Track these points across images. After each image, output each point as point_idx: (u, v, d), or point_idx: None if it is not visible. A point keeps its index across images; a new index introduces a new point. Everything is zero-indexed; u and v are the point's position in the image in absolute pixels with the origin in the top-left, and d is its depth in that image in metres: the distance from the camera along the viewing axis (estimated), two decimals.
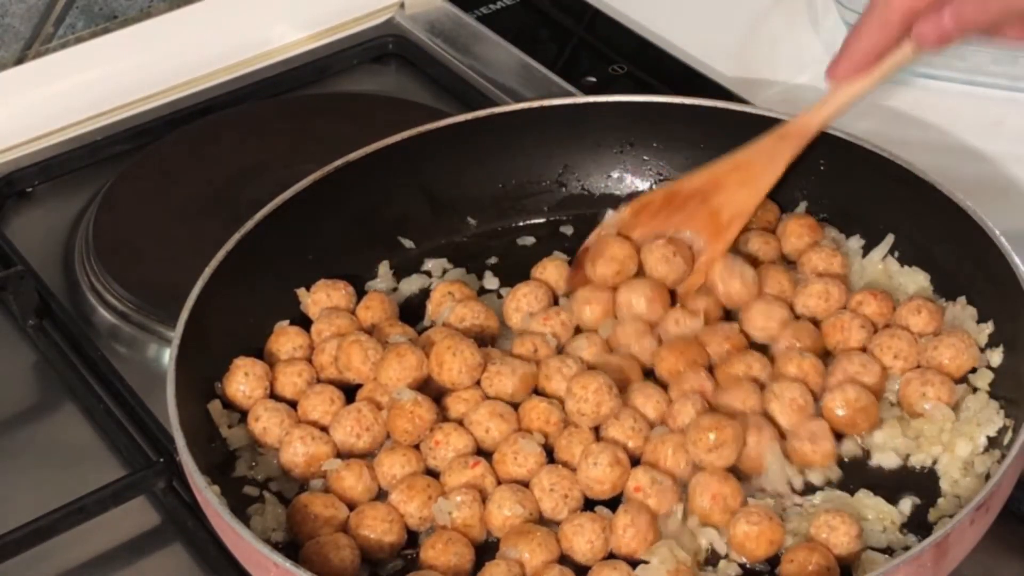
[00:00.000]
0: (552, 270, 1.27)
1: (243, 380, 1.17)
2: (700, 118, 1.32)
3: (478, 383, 1.16)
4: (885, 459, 1.12)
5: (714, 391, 1.15)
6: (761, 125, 1.30)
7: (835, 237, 1.28)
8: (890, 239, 1.25)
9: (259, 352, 1.21)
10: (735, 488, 1.08)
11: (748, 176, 1.22)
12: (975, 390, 1.15)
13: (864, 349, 1.18)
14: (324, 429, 1.15)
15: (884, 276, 1.24)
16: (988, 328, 1.17)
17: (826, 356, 1.19)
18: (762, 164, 1.22)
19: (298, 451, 1.13)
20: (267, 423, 1.15)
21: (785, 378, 1.15)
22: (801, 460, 1.11)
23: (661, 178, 1.34)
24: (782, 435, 1.12)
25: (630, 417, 1.12)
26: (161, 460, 1.18)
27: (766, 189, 1.23)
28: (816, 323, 1.21)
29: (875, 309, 1.20)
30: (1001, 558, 1.11)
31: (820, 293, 1.21)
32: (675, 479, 1.09)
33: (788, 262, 1.27)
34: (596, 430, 1.13)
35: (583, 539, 1.06)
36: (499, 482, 1.11)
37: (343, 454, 1.14)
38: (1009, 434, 1.10)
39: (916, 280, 1.23)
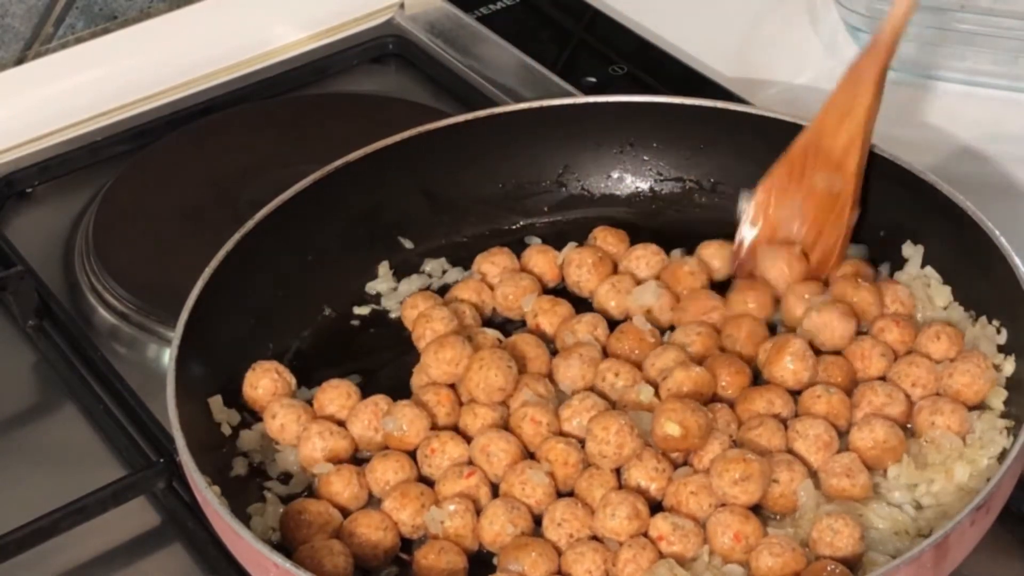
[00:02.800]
0: (537, 256, 1.29)
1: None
2: (700, 118, 1.32)
3: (503, 404, 1.16)
4: (895, 496, 1.10)
5: (738, 429, 1.13)
6: (761, 125, 1.30)
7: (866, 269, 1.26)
8: (919, 251, 1.23)
9: (260, 353, 1.21)
10: (756, 526, 1.06)
11: (843, 107, 1.23)
12: (984, 410, 1.13)
13: (884, 377, 1.16)
14: (341, 423, 1.15)
15: (918, 287, 1.23)
16: (1001, 338, 1.16)
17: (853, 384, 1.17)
18: (851, 90, 1.23)
19: (316, 446, 1.13)
20: (284, 420, 1.15)
21: (809, 415, 1.13)
22: (839, 495, 1.08)
23: (661, 178, 1.35)
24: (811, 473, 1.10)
25: (653, 458, 1.10)
26: (161, 460, 1.18)
27: (865, 109, 1.23)
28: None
29: (897, 336, 1.18)
30: (1001, 558, 1.11)
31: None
32: (697, 521, 1.07)
33: None
34: (618, 470, 1.11)
35: (582, 567, 1.05)
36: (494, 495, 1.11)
37: (361, 448, 1.14)
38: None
39: (943, 294, 1.21)
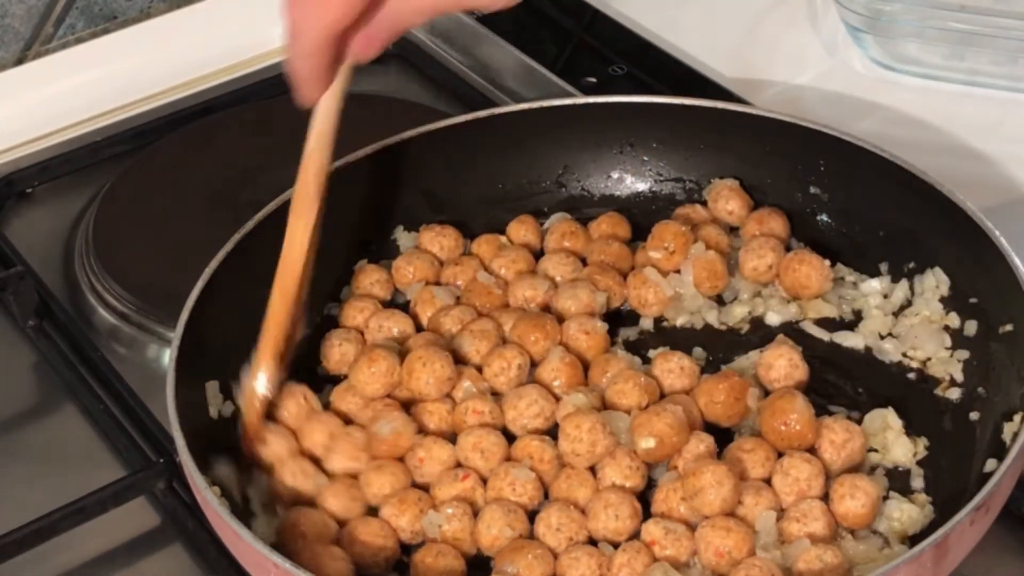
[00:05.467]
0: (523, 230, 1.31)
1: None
2: (700, 118, 1.32)
3: (448, 395, 1.16)
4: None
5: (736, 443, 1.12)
6: (761, 125, 1.30)
7: (854, 280, 1.26)
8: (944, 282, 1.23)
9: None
10: (739, 539, 1.04)
11: None
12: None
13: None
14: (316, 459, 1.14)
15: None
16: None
17: None
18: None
19: (287, 485, 1.12)
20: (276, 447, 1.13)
21: (798, 455, 1.10)
22: (789, 539, 1.07)
23: (661, 178, 1.34)
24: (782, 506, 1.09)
25: (626, 456, 1.10)
26: (161, 461, 1.18)
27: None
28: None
29: None
30: (1001, 558, 1.11)
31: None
32: (689, 525, 1.07)
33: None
34: (591, 469, 1.11)
35: (577, 572, 1.05)
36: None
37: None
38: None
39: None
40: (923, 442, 1.14)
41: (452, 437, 1.15)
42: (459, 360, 1.19)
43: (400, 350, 1.19)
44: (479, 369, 1.19)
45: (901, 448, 1.13)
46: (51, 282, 1.36)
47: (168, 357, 1.12)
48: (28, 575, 1.14)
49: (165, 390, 1.09)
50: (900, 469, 1.13)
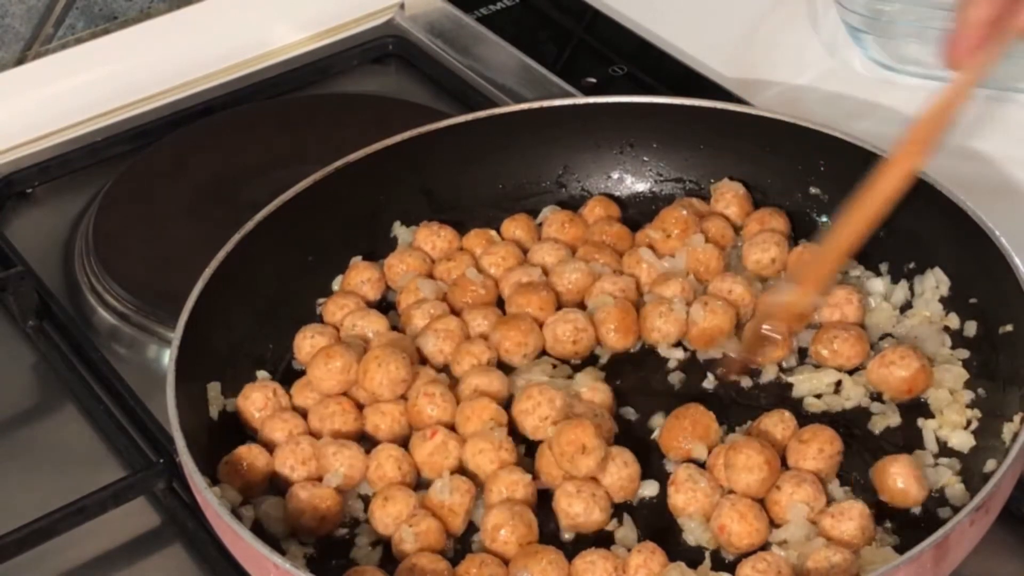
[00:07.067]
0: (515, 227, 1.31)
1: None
2: (700, 119, 1.32)
3: (402, 397, 1.16)
4: None
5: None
6: (761, 125, 1.30)
7: (858, 273, 1.26)
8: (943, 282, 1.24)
9: (260, 353, 1.21)
10: (748, 529, 1.06)
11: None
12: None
13: None
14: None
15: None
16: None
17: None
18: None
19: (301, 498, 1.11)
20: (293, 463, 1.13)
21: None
22: (821, 533, 1.07)
23: (661, 178, 1.35)
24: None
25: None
26: (161, 461, 1.18)
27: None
28: None
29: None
30: (1001, 558, 1.11)
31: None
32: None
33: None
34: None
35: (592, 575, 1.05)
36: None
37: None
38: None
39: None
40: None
41: (404, 440, 1.14)
42: (423, 359, 1.19)
43: (365, 348, 1.19)
44: (441, 369, 1.19)
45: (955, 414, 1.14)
46: (51, 282, 1.36)
47: (168, 357, 1.12)
48: (28, 575, 1.14)
49: (165, 390, 1.09)
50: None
